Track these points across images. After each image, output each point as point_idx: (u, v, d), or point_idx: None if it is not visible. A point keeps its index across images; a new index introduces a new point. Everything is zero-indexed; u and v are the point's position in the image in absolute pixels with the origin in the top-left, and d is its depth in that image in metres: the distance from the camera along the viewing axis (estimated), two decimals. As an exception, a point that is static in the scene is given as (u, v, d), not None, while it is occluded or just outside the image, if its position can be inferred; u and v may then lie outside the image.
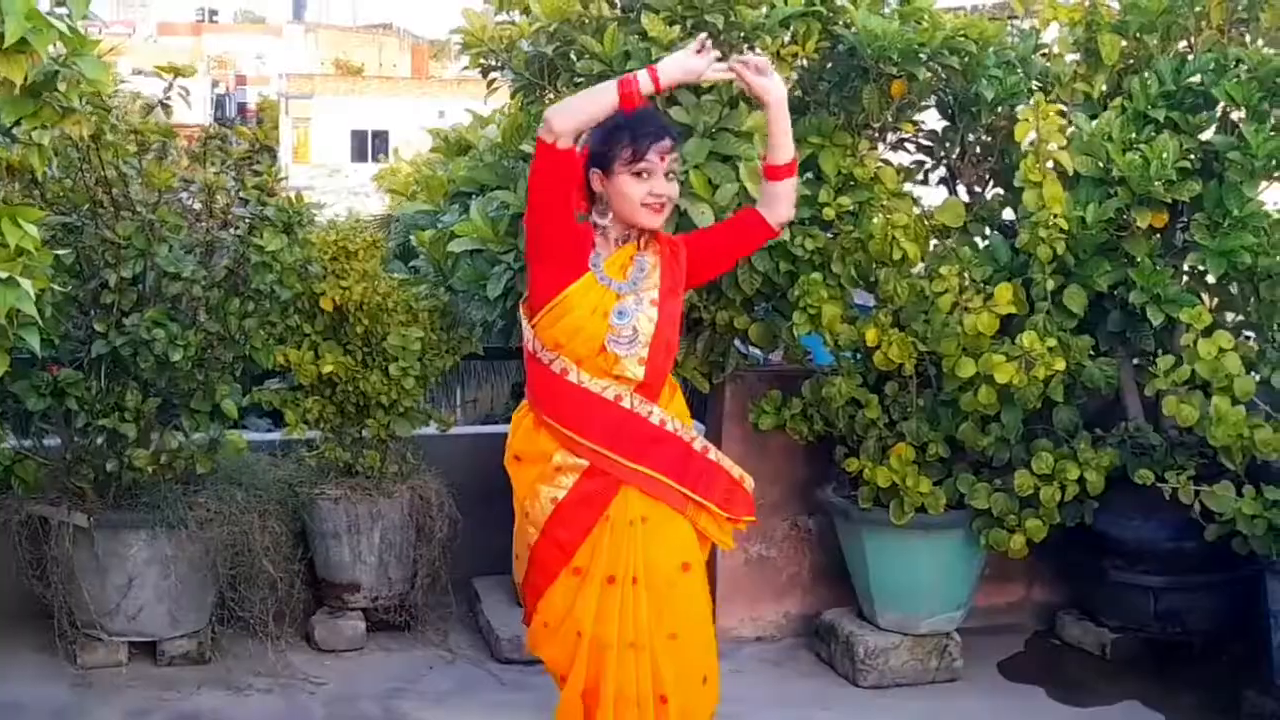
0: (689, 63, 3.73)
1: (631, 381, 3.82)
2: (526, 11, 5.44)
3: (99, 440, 5.17)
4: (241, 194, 5.35)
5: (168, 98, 5.31)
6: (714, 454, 3.99)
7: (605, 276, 3.81)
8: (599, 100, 3.65)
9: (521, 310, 3.93)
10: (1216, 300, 5.57)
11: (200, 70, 56.13)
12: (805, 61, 5.44)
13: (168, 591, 5.20)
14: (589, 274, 3.79)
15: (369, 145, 51.52)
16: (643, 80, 3.65)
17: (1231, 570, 5.35)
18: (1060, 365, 4.98)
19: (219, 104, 62.11)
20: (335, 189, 39.25)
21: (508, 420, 6.54)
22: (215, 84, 63.82)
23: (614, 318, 3.78)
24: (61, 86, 3.97)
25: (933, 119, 5.81)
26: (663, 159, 3.75)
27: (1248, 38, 5.39)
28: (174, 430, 5.24)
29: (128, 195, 5.12)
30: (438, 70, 55.94)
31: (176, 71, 5.25)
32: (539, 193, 3.70)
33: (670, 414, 3.91)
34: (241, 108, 64.39)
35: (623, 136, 3.73)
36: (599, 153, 3.78)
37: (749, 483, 4.03)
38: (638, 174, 3.75)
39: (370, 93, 54.10)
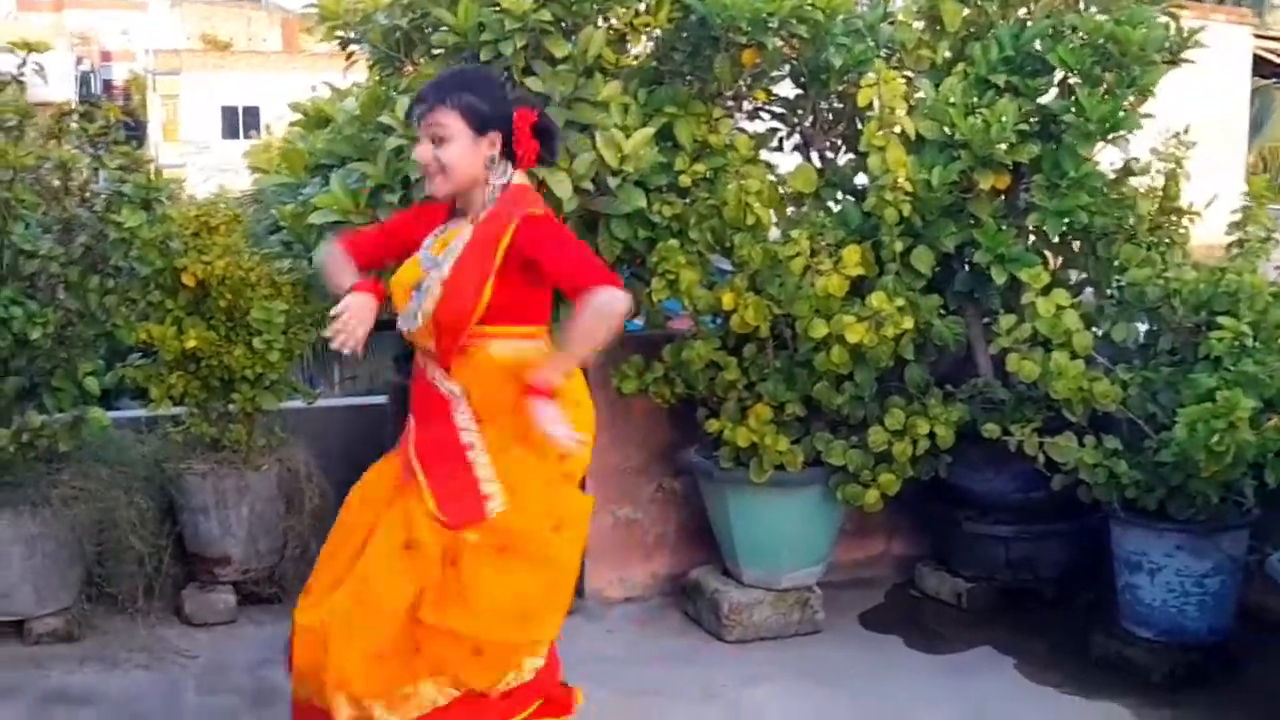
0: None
1: (429, 352, 3.80)
2: (381, -16, 5.48)
3: (-41, 420, 5.14)
4: (101, 171, 5.33)
5: (21, 74, 5.27)
6: (478, 454, 3.76)
7: (428, 256, 3.79)
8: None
9: None
10: (1061, 259, 5.77)
11: (63, 46, 55.02)
12: (658, 31, 5.55)
13: (33, 570, 5.18)
14: (413, 255, 3.84)
15: (240, 121, 50.77)
16: None
17: (1079, 519, 5.57)
18: (909, 324, 5.15)
19: (84, 81, 60.79)
20: (205, 166, 38.64)
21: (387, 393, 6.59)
22: (79, 60, 62.44)
23: (413, 293, 3.77)
24: (-94, 66, 3.97)
25: (787, 88, 5.94)
26: (423, 126, 3.70)
27: (1081, 5, 5.57)
28: (36, 409, 5.22)
29: (-20, 174, 5.08)
30: (308, 44, 55.20)
31: (30, 47, 5.21)
32: None
33: (460, 382, 3.76)
34: (107, 84, 63.10)
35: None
36: None
37: (493, 503, 3.74)
38: (416, 141, 3.80)
39: (240, 68, 53.26)
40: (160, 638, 5.34)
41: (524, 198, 3.78)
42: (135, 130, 44.70)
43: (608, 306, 3.62)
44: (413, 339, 3.81)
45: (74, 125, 5.41)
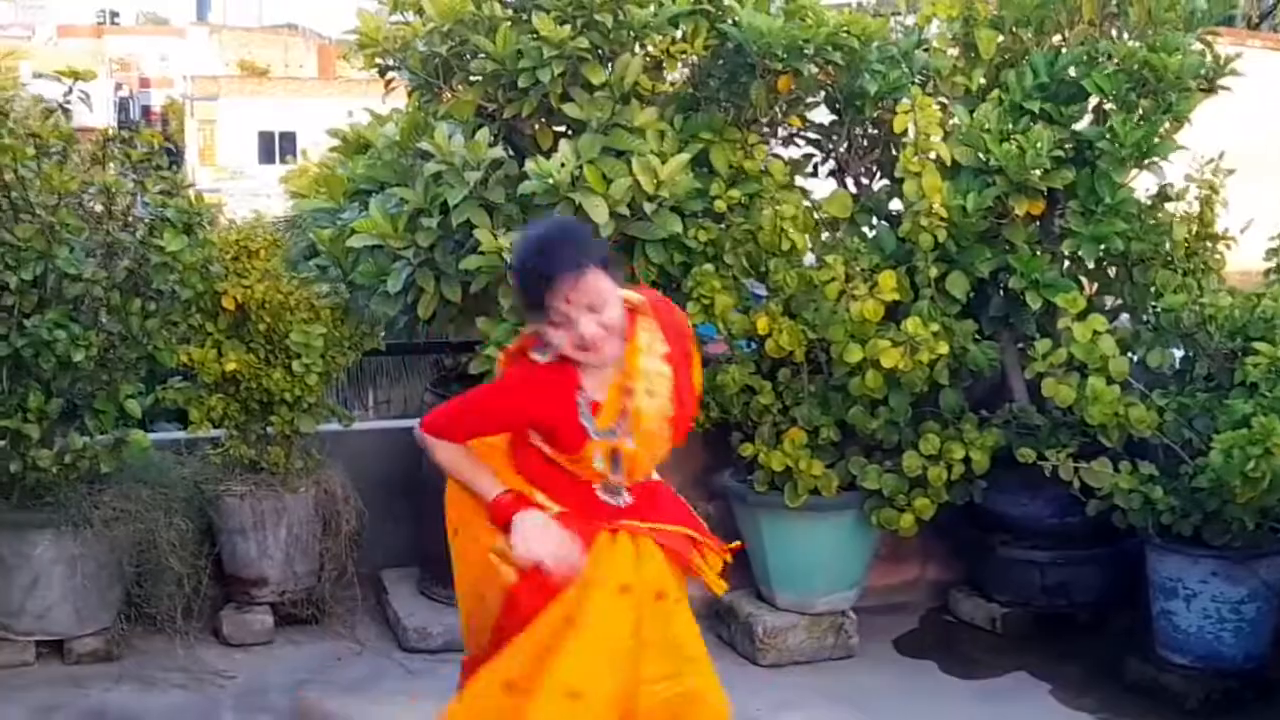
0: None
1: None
2: (420, 12, 5.54)
3: (2, 441, 5.19)
4: (143, 196, 5.40)
5: (67, 102, 5.35)
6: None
7: (600, 432, 3.44)
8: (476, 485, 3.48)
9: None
10: (1096, 285, 5.78)
11: (102, 73, 55.61)
12: (695, 59, 5.61)
13: (74, 590, 5.23)
14: (588, 444, 3.43)
15: (276, 146, 51.16)
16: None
17: (1114, 544, 5.57)
18: (944, 349, 5.17)
19: (122, 106, 61.39)
20: (239, 191, 38.93)
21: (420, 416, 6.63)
22: (118, 86, 63.06)
23: (613, 459, 3.48)
24: (-43, 91, 4.05)
25: (822, 114, 5.97)
26: (568, 301, 3.24)
27: (1115, 32, 5.59)
28: (78, 430, 5.29)
29: (27, 198, 5.14)
30: (345, 70, 55.63)
31: (76, 75, 5.29)
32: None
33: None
34: (146, 110, 63.68)
35: (524, 287, 3.36)
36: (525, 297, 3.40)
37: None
38: (555, 325, 3.29)
39: (277, 93, 53.72)
40: (198, 658, 5.38)
41: (655, 301, 3.54)
42: (173, 156, 45.12)
43: None
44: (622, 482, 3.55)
45: (117, 151, 5.48)
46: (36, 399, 5.11)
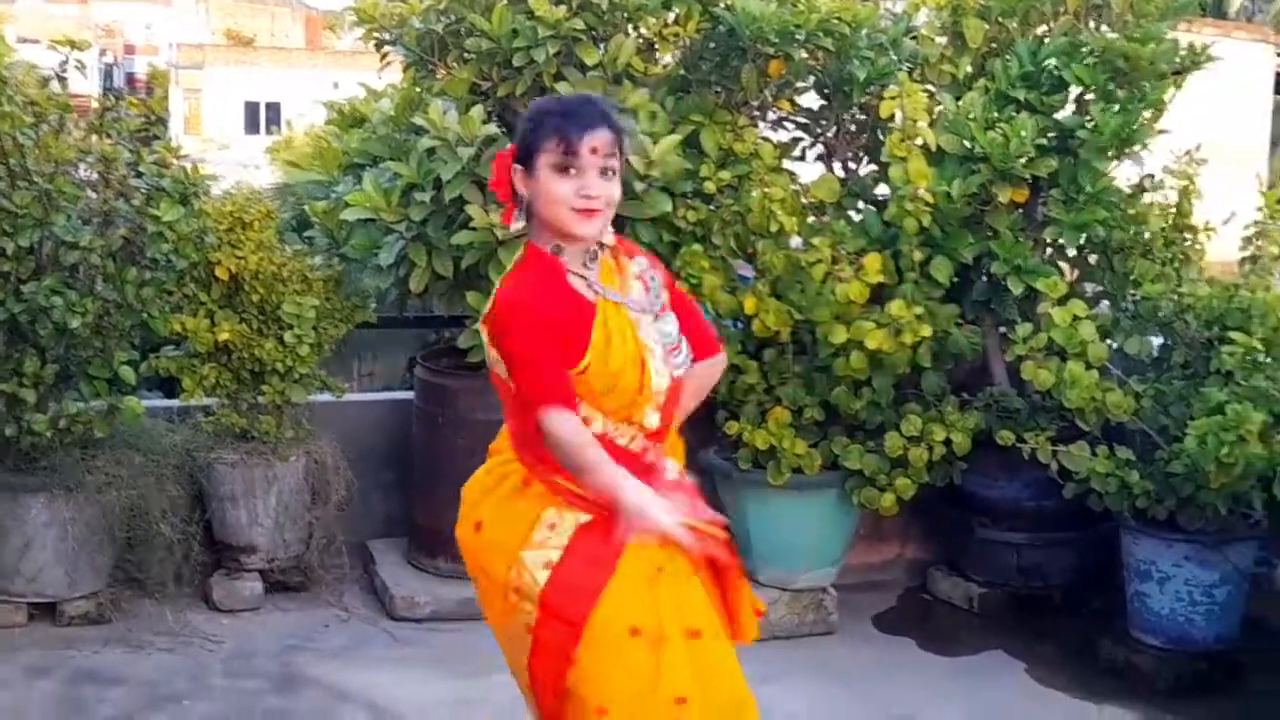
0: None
1: (646, 430, 3.23)
2: (418, -11, 5.60)
3: (-2, 405, 5.27)
4: (138, 166, 5.45)
5: (63, 71, 5.40)
6: None
7: (615, 293, 3.19)
8: (595, 478, 3.07)
9: (485, 334, 3.17)
10: (1077, 272, 5.87)
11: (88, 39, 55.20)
12: (687, 41, 5.67)
13: (66, 553, 5.30)
14: (601, 304, 3.14)
15: (261, 117, 50.97)
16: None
17: (1090, 527, 5.66)
18: (927, 332, 5.25)
19: (107, 74, 61.03)
20: (224, 161, 38.79)
21: (406, 389, 6.68)
22: (103, 53, 62.64)
23: (656, 332, 3.23)
24: (-41, 60, 4.10)
25: (811, 99, 6.04)
26: (596, 153, 3.04)
27: (1096, 25, 5.67)
28: (72, 396, 5.35)
29: (24, 165, 5.18)
30: (331, 41, 55.43)
31: (72, 44, 5.34)
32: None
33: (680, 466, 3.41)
34: (130, 78, 63.26)
35: (549, 125, 3.06)
36: (524, 146, 3.11)
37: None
38: (564, 169, 3.04)
39: (263, 63, 53.47)
40: (187, 622, 5.45)
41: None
42: (159, 124, 44.79)
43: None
44: (634, 408, 3.19)
45: (113, 120, 5.52)
46: (32, 364, 5.18)
